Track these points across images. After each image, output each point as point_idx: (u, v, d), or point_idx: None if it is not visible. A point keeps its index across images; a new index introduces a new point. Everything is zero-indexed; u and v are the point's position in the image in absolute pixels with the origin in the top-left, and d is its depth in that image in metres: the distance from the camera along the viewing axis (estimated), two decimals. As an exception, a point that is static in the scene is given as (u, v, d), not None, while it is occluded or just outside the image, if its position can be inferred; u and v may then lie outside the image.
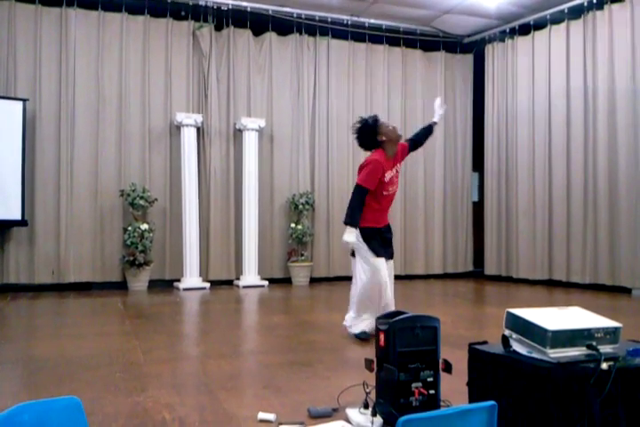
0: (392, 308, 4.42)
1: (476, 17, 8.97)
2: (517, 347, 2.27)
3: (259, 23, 8.69)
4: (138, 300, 7.19)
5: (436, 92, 9.66)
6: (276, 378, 3.39)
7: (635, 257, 7.34)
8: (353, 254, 4.63)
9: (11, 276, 7.45)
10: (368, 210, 4.47)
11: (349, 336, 4.56)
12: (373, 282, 4.42)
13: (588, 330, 2.19)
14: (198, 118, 8.19)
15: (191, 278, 8.05)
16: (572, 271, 8.18)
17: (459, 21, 9.20)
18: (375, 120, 4.51)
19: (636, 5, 7.42)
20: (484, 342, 2.48)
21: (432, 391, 2.40)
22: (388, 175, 4.46)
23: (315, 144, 9.03)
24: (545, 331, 2.14)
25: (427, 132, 5.00)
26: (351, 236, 4.38)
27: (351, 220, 4.40)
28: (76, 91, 7.84)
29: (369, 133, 4.49)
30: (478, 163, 10.06)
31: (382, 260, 4.46)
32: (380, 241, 4.53)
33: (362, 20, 9.12)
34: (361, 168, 4.53)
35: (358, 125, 4.55)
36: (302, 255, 8.67)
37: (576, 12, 8.16)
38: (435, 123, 5.02)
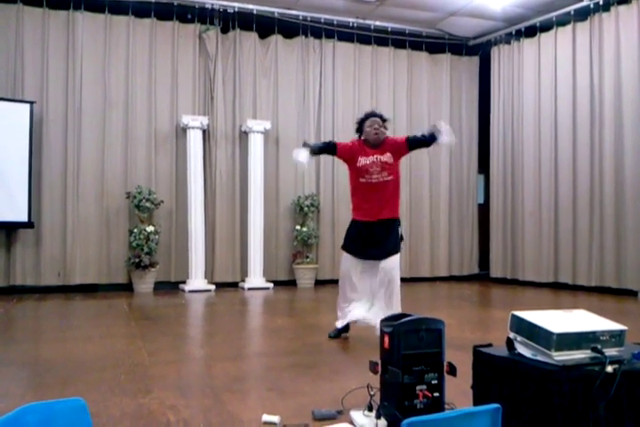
0: (354, 318, 4.52)
1: (481, 19, 8.97)
2: (522, 350, 2.27)
3: (265, 26, 8.71)
4: (143, 302, 7.21)
5: (442, 95, 9.70)
6: (280, 380, 3.39)
7: (641, 260, 7.32)
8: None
9: (17, 278, 7.48)
10: (353, 198, 4.71)
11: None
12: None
13: (594, 333, 2.18)
14: (204, 121, 8.21)
15: (196, 280, 8.06)
16: (578, 274, 8.15)
17: (464, 23, 9.20)
18: (361, 121, 4.72)
19: (643, 7, 7.42)
20: (489, 345, 2.47)
21: (436, 394, 2.39)
22: (361, 160, 4.51)
23: (320, 146, 9.02)
24: (550, 334, 2.13)
25: (423, 142, 4.65)
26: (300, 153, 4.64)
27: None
28: (82, 93, 7.88)
29: (358, 127, 4.77)
30: (484, 165, 10.04)
31: (348, 256, 4.63)
32: (356, 236, 4.65)
33: (367, 22, 9.14)
34: None
35: (359, 117, 4.84)
36: (307, 257, 8.67)
37: (582, 14, 8.14)
38: (435, 140, 4.54)
